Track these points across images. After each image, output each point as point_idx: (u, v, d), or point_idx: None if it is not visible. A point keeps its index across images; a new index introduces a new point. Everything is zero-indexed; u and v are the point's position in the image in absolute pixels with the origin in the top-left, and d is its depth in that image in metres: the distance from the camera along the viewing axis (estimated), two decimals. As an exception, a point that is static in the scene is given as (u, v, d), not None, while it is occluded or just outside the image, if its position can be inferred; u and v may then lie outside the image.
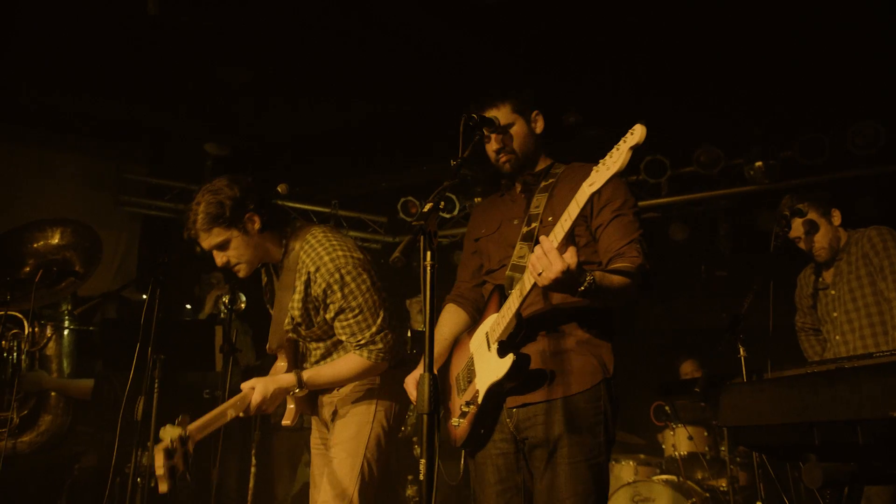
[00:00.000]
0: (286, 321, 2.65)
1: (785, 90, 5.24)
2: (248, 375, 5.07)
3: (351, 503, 2.51)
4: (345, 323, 2.57)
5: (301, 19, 4.70)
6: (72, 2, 4.45)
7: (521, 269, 2.18)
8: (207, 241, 2.55)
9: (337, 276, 2.52)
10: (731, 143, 5.70)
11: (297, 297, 2.58)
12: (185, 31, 4.77)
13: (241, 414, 2.51)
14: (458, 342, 2.46)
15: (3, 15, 4.59)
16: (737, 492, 4.03)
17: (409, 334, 4.94)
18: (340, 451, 2.59)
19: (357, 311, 2.54)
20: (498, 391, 2.16)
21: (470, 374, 2.27)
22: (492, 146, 2.35)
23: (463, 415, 2.23)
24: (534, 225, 2.25)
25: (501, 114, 2.33)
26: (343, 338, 2.61)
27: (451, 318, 2.55)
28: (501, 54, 4.99)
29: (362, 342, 2.57)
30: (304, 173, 6.43)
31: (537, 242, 2.12)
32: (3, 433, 3.58)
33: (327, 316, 2.59)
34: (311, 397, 2.80)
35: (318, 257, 2.54)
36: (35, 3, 4.46)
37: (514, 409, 2.19)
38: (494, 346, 2.15)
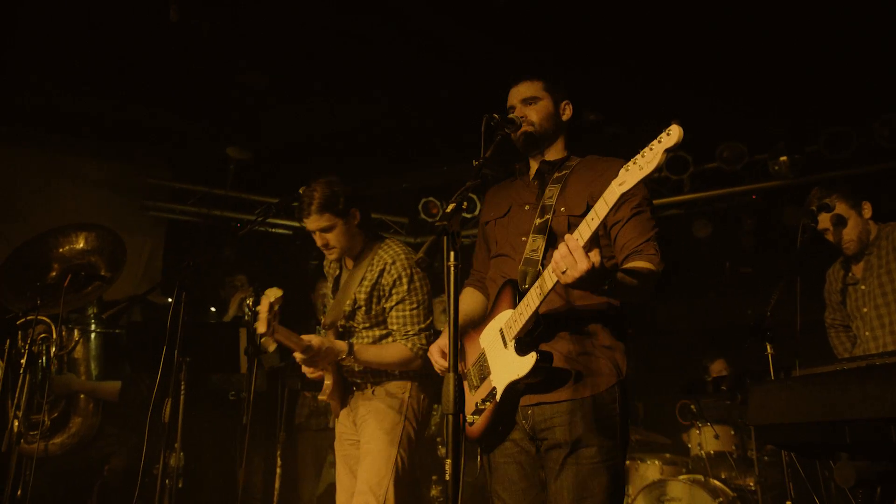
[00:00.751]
0: (348, 303, 2.99)
1: (810, 83, 5.16)
2: (272, 377, 5.15)
3: (386, 493, 2.73)
4: (401, 312, 2.93)
5: (319, 22, 4.73)
6: (95, 10, 4.51)
7: (534, 263, 2.17)
8: (316, 222, 2.92)
9: (409, 271, 2.94)
10: (755, 138, 5.63)
11: (366, 283, 2.96)
12: (206, 37, 4.81)
13: (298, 352, 2.80)
14: (464, 335, 2.42)
15: (27, 24, 4.68)
16: (765, 491, 3.98)
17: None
18: (374, 446, 2.82)
19: (415, 304, 2.93)
20: (517, 388, 2.15)
21: (483, 371, 2.25)
22: (515, 115, 2.36)
23: (478, 412, 2.21)
24: (546, 217, 2.23)
25: (533, 87, 2.38)
26: (394, 326, 2.95)
27: (470, 297, 2.55)
28: (521, 53, 4.97)
29: (410, 333, 2.91)
30: (324, 175, 6.45)
31: (551, 235, 2.17)
32: (35, 435, 3.64)
33: (387, 304, 2.94)
34: (345, 388, 3.04)
35: (396, 254, 2.97)
36: (57, 11, 4.53)
37: (530, 410, 2.18)
38: (511, 344, 2.14)
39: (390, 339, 2.97)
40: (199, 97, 5.59)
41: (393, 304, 2.93)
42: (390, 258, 2.95)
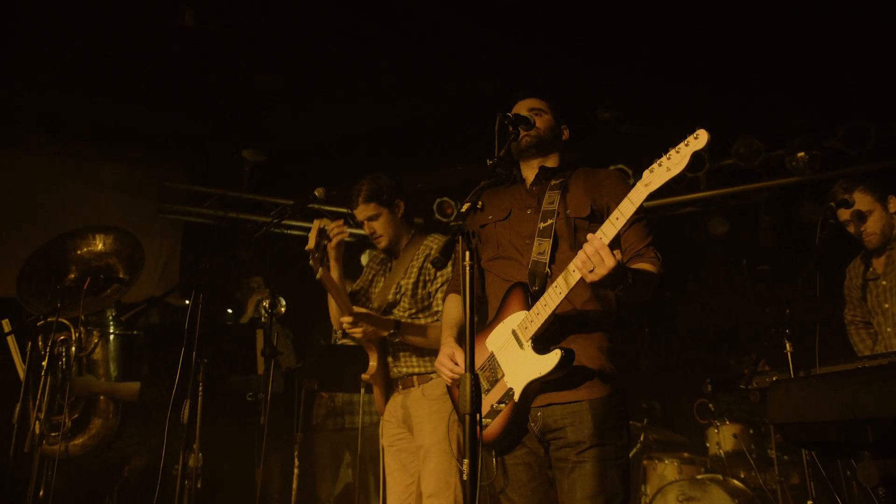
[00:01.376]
0: (392, 290, 3.18)
1: (827, 77, 5.09)
2: (289, 378, 5.17)
3: (455, 493, 2.90)
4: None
5: (333, 24, 4.75)
6: (110, 16, 4.56)
7: (542, 266, 2.25)
8: (364, 212, 3.18)
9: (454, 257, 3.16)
10: (772, 134, 5.58)
11: (412, 269, 3.14)
12: (221, 42, 4.85)
13: (345, 315, 2.95)
14: (462, 342, 2.44)
15: (42, 30, 4.73)
16: (785, 491, 3.94)
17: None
18: (437, 451, 2.96)
19: None
20: (535, 388, 2.19)
21: (494, 374, 2.27)
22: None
23: (492, 414, 2.24)
24: (550, 221, 2.31)
25: (540, 103, 2.50)
26: (440, 307, 3.08)
27: (457, 305, 2.58)
28: (534, 53, 4.96)
29: None
30: (339, 177, 6.47)
31: (556, 238, 2.27)
32: (57, 437, 3.68)
33: (432, 288, 3.12)
34: (388, 379, 3.16)
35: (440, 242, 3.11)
36: (73, 16, 4.59)
37: (539, 412, 2.23)
38: (528, 344, 2.18)
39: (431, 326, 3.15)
40: (214, 100, 5.63)
41: (438, 286, 3.11)
42: (435, 245, 3.16)
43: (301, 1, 4.50)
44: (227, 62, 5.13)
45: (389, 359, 3.15)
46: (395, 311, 3.16)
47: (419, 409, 3.01)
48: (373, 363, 3.11)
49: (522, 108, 2.48)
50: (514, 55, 4.99)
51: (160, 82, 5.37)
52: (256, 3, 4.55)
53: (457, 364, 2.34)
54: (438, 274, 3.11)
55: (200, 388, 3.40)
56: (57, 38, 4.82)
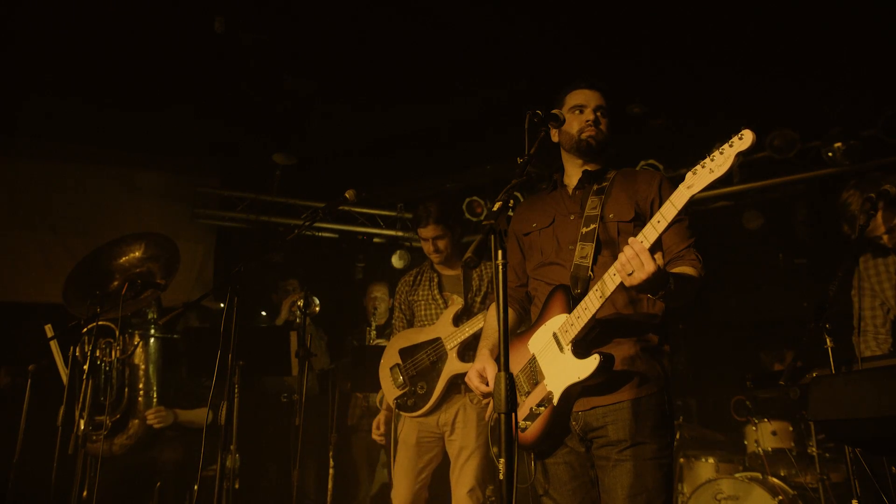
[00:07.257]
0: (476, 284, 3.54)
1: (865, 63, 4.95)
2: (322, 379, 5.21)
3: (487, 487, 3.40)
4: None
5: (361, 26, 4.77)
6: (143, 26, 4.65)
7: (584, 270, 2.23)
8: (432, 231, 3.51)
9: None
10: (807, 124, 5.45)
11: (484, 283, 3.52)
12: (251, 47, 4.91)
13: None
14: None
15: (81, 44, 4.85)
16: (828, 489, 3.85)
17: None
18: (479, 453, 3.37)
19: None
20: (575, 391, 2.17)
21: (534, 376, 2.26)
22: (585, 115, 2.38)
23: (531, 417, 2.23)
24: (593, 226, 2.28)
25: (603, 98, 2.42)
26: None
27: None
28: (564, 48, 4.92)
29: None
30: (369, 178, 6.52)
31: (598, 242, 2.24)
32: (99, 435, 3.77)
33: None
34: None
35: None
36: (106, 28, 4.69)
37: (581, 413, 2.21)
38: (568, 348, 2.16)
39: None
40: (244, 105, 5.70)
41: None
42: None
43: (331, 4, 4.54)
44: (257, 68, 5.19)
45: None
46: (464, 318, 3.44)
47: (467, 414, 3.37)
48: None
49: (592, 101, 2.39)
50: (543, 52, 4.96)
51: (192, 90, 5.45)
52: (286, 9, 4.60)
53: (485, 380, 2.30)
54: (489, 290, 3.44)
55: (237, 390, 3.45)
56: (91, 50, 4.93)
